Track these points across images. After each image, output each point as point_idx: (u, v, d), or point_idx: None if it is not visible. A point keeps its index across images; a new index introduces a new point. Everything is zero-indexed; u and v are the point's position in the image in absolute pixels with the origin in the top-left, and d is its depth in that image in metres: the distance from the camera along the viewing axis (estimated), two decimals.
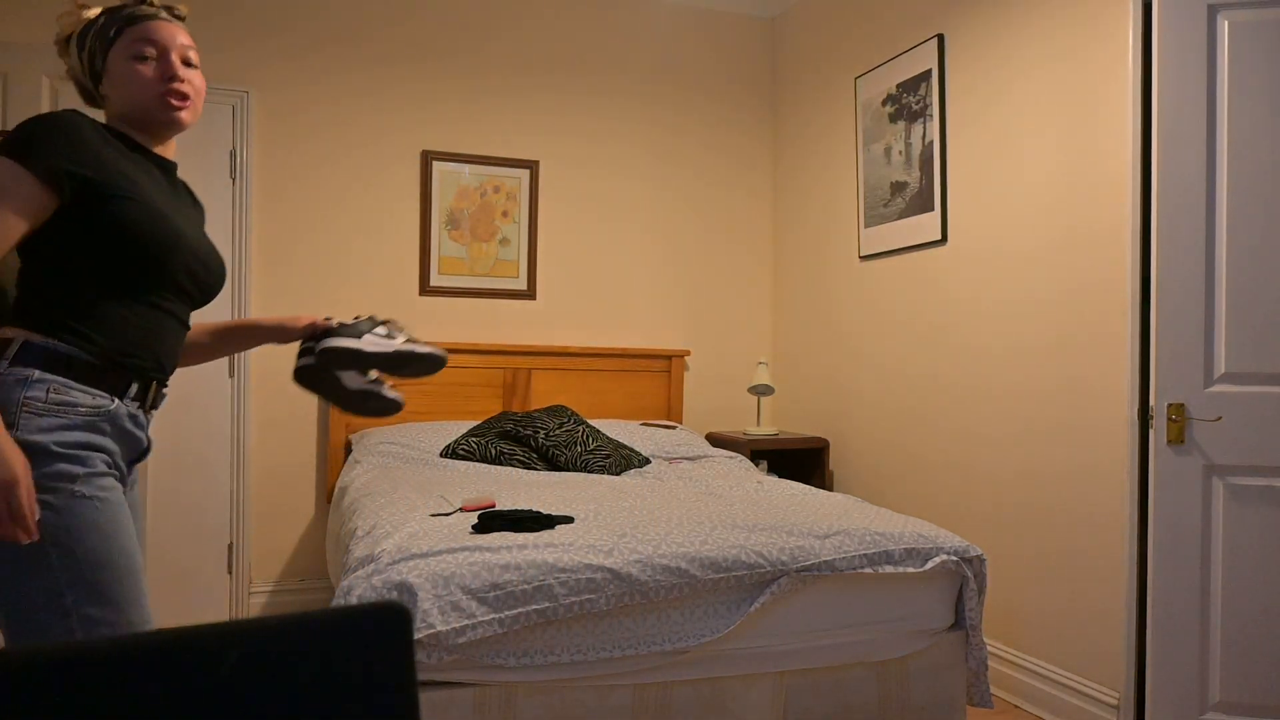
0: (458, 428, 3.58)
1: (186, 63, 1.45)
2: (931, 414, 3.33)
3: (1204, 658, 2.29)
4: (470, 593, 1.86)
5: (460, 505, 2.43)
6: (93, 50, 1.43)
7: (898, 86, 3.49)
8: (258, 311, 3.63)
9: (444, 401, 3.85)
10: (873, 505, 2.65)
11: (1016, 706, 2.87)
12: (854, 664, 2.19)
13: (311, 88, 3.73)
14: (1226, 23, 2.27)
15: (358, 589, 1.86)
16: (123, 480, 1.40)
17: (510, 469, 3.25)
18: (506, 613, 1.87)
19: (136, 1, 1.46)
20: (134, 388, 1.39)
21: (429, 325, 3.90)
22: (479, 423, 3.62)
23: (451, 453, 3.34)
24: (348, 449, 3.69)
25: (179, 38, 1.44)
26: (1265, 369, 2.25)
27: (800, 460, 4.05)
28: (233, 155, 3.57)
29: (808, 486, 2.98)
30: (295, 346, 3.70)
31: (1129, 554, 2.52)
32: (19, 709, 0.52)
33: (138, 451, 1.45)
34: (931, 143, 3.29)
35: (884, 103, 3.57)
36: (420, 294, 3.89)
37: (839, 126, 3.92)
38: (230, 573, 3.59)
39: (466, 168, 3.95)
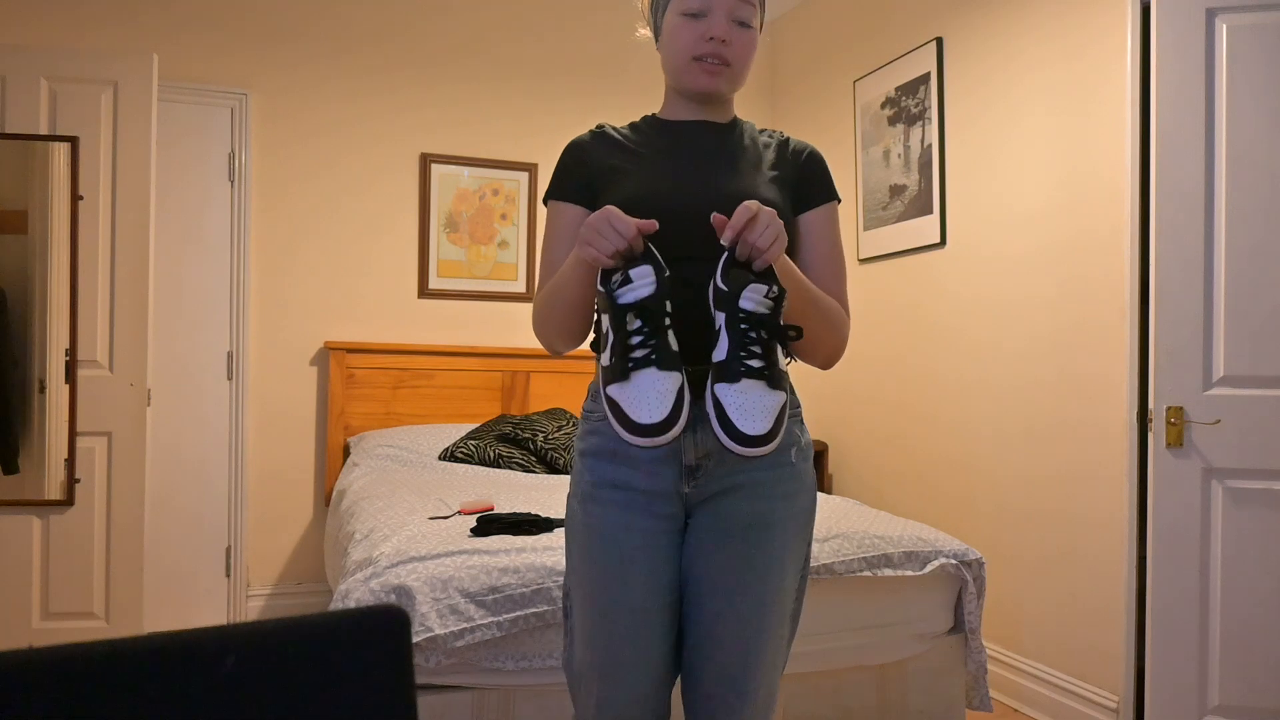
0: (456, 431, 3.58)
1: (741, 23, 1.33)
2: (930, 417, 3.33)
3: (1203, 660, 2.29)
4: (468, 596, 1.86)
5: (458, 508, 2.43)
6: (655, 5, 1.39)
7: (896, 90, 3.49)
8: (256, 314, 3.62)
9: (442, 404, 3.85)
10: (872, 509, 2.64)
11: (1016, 710, 2.87)
12: (853, 668, 2.19)
13: (311, 90, 3.73)
14: (1225, 26, 2.27)
15: (356, 592, 1.86)
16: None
17: (509, 472, 3.25)
18: (505, 616, 1.87)
19: None
20: None
21: (427, 328, 3.90)
22: (477, 426, 3.61)
23: (450, 456, 3.34)
24: (346, 452, 3.68)
25: None
26: (1264, 372, 2.25)
27: None
28: (231, 158, 3.57)
29: None
30: (286, 339, 3.69)
31: (1128, 557, 2.52)
32: (12, 711, 0.51)
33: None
34: (930, 146, 3.29)
35: (883, 106, 3.57)
36: (419, 296, 3.89)
37: (838, 129, 3.92)
38: (228, 576, 3.58)
39: (465, 170, 3.95)
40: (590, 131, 1.44)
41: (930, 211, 3.30)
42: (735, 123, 1.46)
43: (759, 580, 1.30)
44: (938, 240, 3.26)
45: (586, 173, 1.38)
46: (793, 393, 1.32)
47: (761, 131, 1.48)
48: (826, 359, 1.42)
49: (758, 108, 4.47)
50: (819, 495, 2.83)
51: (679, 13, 1.33)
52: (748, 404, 1.11)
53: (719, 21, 1.31)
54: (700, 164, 1.38)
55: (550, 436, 3.40)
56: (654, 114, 1.46)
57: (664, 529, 1.31)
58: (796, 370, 4.72)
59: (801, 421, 1.41)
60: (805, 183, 1.41)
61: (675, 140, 1.41)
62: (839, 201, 1.44)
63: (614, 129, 1.44)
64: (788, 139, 1.45)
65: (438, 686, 1.87)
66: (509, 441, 3.41)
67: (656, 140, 1.41)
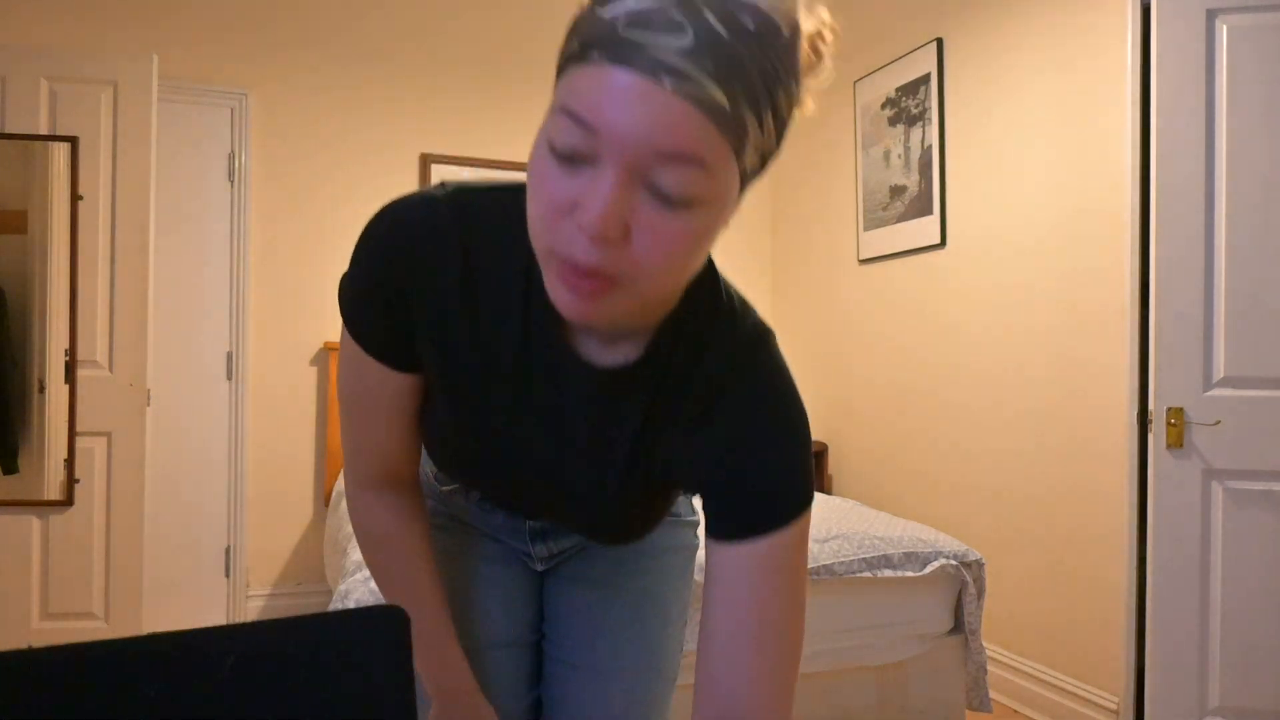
0: None
1: (664, 198, 0.61)
2: (930, 417, 3.33)
3: (1203, 662, 2.29)
4: None
5: None
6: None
7: (897, 90, 3.49)
8: (256, 315, 3.62)
9: None
10: (871, 509, 2.64)
11: (1015, 711, 2.87)
12: (853, 668, 2.19)
13: (311, 90, 3.73)
14: (1225, 27, 2.27)
15: (356, 592, 1.86)
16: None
17: None
18: None
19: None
20: None
21: None
22: None
23: None
24: None
25: (661, 125, 0.58)
26: (1264, 373, 2.25)
27: None
28: (231, 158, 3.57)
29: None
30: (286, 339, 3.69)
31: (1128, 558, 2.52)
32: (11, 712, 0.51)
33: None
34: (930, 146, 3.29)
35: (883, 106, 3.57)
36: None
37: (838, 130, 3.92)
38: (227, 576, 3.58)
39: (465, 170, 3.95)
40: (441, 212, 0.77)
41: (930, 212, 3.30)
42: (647, 361, 0.77)
43: (634, 624, 1.06)
44: (938, 241, 3.26)
45: (402, 320, 0.80)
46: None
47: (701, 356, 0.79)
48: None
49: None
50: (818, 495, 2.83)
51: (547, 141, 0.62)
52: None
53: (605, 188, 0.59)
54: (556, 446, 0.83)
55: None
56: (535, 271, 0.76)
57: (510, 556, 1.11)
58: (794, 370, 4.71)
59: None
60: (746, 492, 0.78)
61: (531, 376, 0.80)
62: (807, 508, 0.80)
63: (480, 237, 0.77)
64: (740, 401, 0.78)
65: None
66: None
67: (507, 350, 0.79)
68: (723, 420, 0.78)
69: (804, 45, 0.65)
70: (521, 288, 0.77)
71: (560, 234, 0.62)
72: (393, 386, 0.84)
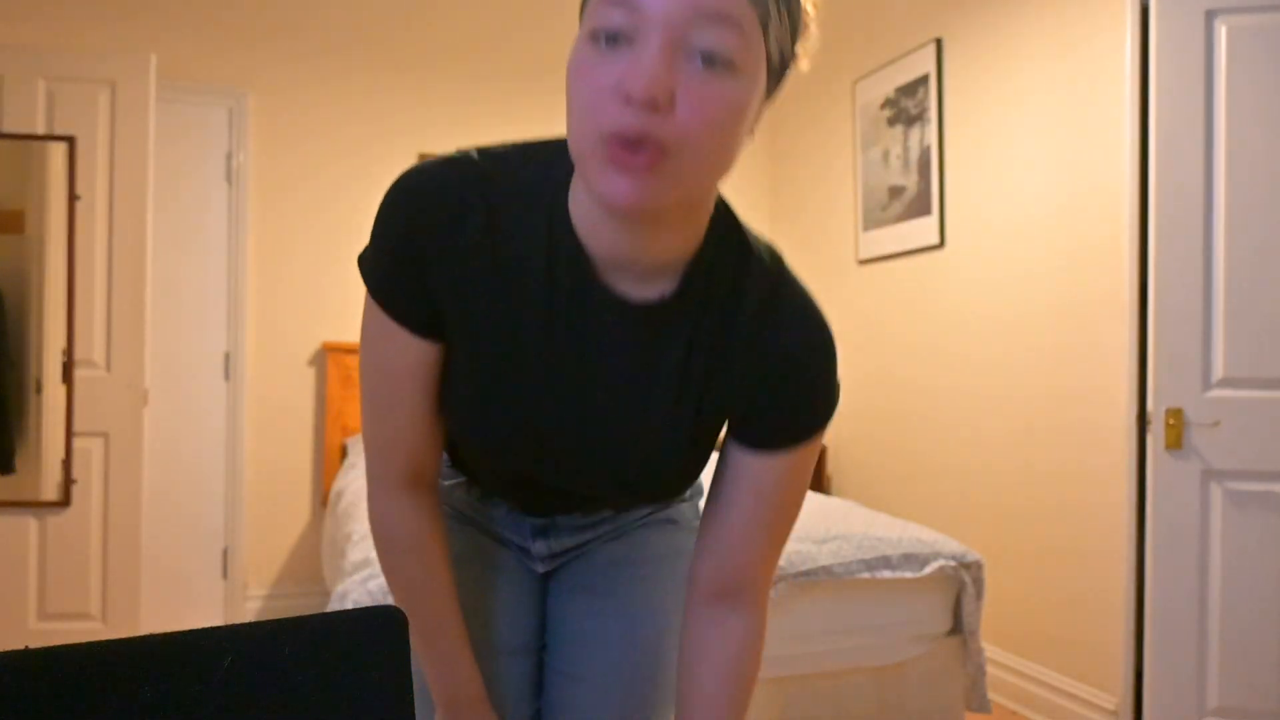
0: None
1: (709, 58, 0.64)
2: (929, 418, 3.33)
3: (1202, 663, 2.29)
4: None
5: None
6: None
7: (896, 90, 3.49)
8: (254, 315, 3.61)
9: None
10: (870, 510, 2.64)
11: (1015, 712, 2.87)
12: (852, 669, 2.19)
13: (308, 89, 3.73)
14: (1224, 27, 2.27)
15: (354, 593, 1.85)
16: None
17: None
18: None
19: None
20: None
21: None
22: None
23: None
24: (344, 453, 3.68)
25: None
26: (1263, 374, 2.25)
27: None
28: (229, 158, 3.57)
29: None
30: (284, 339, 3.69)
31: (1127, 559, 2.52)
32: (8, 712, 0.51)
33: None
34: (929, 147, 3.29)
35: (882, 107, 3.57)
36: None
37: (837, 130, 3.93)
38: (225, 577, 3.57)
39: None
40: (459, 169, 0.78)
41: (929, 213, 3.30)
42: (683, 295, 0.79)
43: (628, 634, 1.05)
44: (936, 241, 3.26)
45: (424, 285, 0.80)
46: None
47: (742, 293, 0.81)
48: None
49: None
50: (816, 496, 2.83)
51: (588, 32, 0.66)
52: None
53: (650, 55, 0.62)
54: (593, 392, 0.82)
55: None
56: (565, 208, 0.77)
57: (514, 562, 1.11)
58: None
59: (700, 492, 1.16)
60: (787, 411, 0.83)
61: (561, 321, 0.79)
62: (825, 427, 0.86)
63: (500, 200, 0.78)
64: (779, 331, 0.82)
65: None
66: None
67: (535, 299, 0.79)
68: (766, 342, 0.81)
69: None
70: (544, 231, 0.78)
71: (607, 114, 0.64)
72: (415, 355, 0.83)
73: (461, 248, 0.78)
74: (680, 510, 1.12)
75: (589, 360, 0.81)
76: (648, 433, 0.83)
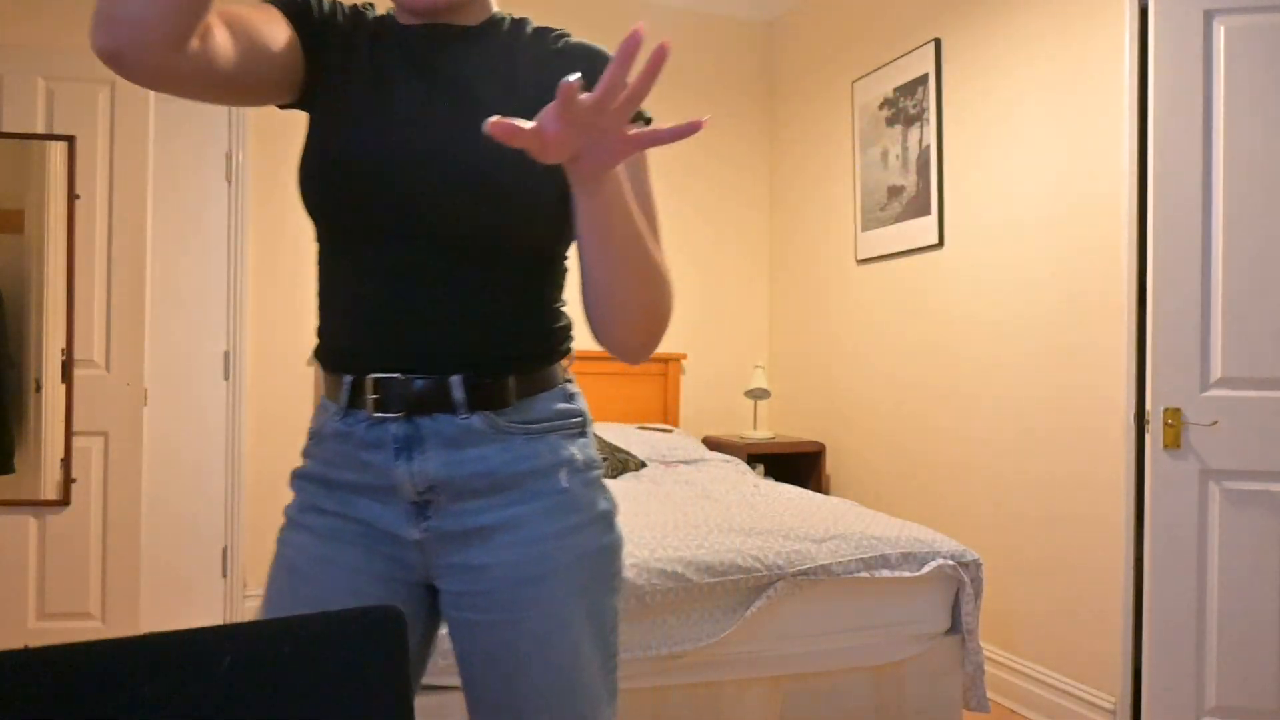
0: None
1: None
2: (928, 417, 3.34)
3: (1200, 662, 2.29)
4: None
5: None
6: None
7: (895, 90, 3.49)
8: (253, 314, 3.61)
9: None
10: (869, 509, 2.65)
11: (1013, 711, 2.87)
12: (850, 669, 2.19)
13: None
14: (1223, 28, 2.28)
15: None
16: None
17: None
18: None
19: None
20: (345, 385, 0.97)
21: None
22: None
23: None
24: None
25: None
26: (1261, 373, 2.26)
27: (796, 464, 4.05)
28: (228, 157, 3.57)
29: (804, 490, 2.98)
30: (283, 339, 3.69)
31: (1126, 559, 2.52)
32: (8, 711, 0.51)
33: (385, 482, 0.96)
34: (928, 147, 3.30)
35: (881, 107, 3.58)
36: None
37: (836, 130, 3.93)
38: (225, 576, 3.57)
39: None
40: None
41: (928, 213, 3.30)
42: (494, 22, 1.02)
43: (540, 657, 0.95)
44: (935, 241, 3.26)
45: (324, 27, 0.99)
46: (569, 400, 1.03)
47: (538, 32, 1.04)
48: (641, 338, 0.95)
49: (755, 110, 4.47)
50: (817, 496, 2.83)
51: None
52: None
53: None
54: (422, 97, 0.96)
55: None
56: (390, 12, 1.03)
57: (387, 572, 0.98)
58: (792, 371, 4.73)
59: (583, 434, 1.03)
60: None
61: (391, 56, 0.98)
62: (648, 122, 0.98)
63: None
64: (574, 44, 1.02)
65: (434, 687, 1.87)
66: None
67: (376, 47, 0.99)
68: (553, 43, 1.03)
69: None
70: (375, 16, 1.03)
71: None
72: (276, 27, 0.94)
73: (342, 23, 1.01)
74: (593, 495, 1.02)
75: (434, 79, 0.99)
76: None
